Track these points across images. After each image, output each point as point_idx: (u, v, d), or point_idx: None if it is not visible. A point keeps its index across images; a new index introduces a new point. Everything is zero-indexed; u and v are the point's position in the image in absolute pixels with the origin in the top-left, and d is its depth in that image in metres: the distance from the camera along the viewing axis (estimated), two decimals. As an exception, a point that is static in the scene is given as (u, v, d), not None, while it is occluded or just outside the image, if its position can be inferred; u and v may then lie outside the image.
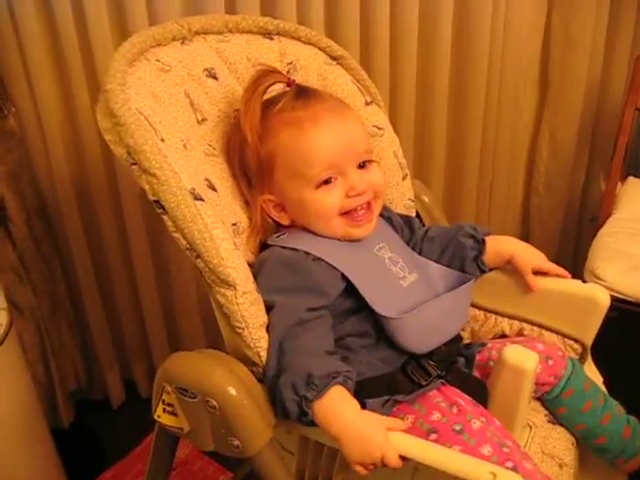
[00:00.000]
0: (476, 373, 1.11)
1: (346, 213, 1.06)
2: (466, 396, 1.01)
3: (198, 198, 0.94)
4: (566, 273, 1.21)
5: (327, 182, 1.04)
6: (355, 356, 1.01)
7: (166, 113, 1.01)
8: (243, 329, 0.94)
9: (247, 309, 0.94)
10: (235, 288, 0.93)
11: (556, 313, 1.19)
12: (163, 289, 1.93)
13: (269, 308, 0.98)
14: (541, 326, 1.21)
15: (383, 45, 1.76)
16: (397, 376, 1.02)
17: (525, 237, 2.40)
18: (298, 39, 1.25)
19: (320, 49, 1.27)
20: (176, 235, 0.92)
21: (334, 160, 1.03)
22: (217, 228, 0.94)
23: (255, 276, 1.01)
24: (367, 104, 1.29)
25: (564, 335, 1.20)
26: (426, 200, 1.37)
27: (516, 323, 1.24)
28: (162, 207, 0.92)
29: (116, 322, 1.95)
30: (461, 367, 1.08)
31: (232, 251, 0.95)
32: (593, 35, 2.11)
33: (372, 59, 1.76)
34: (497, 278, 1.23)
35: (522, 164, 2.33)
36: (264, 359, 0.95)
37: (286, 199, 1.08)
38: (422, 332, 1.04)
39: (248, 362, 0.96)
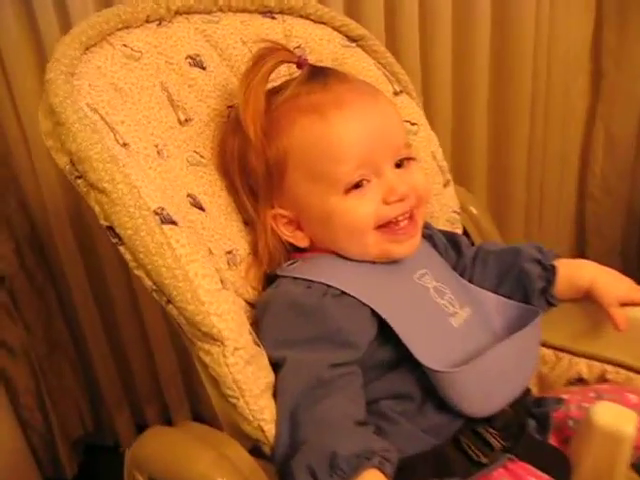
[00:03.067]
0: (552, 439, 0.90)
1: (383, 225, 0.86)
2: (543, 475, 0.81)
3: (167, 221, 0.73)
4: None
5: (358, 185, 0.85)
6: (392, 426, 0.82)
7: (133, 111, 0.84)
8: (237, 398, 0.74)
9: (241, 371, 0.74)
10: (223, 343, 0.73)
11: None
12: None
13: (277, 366, 0.80)
14: (629, 368, 1.01)
15: (412, 28, 1.56)
16: (449, 452, 0.82)
17: (581, 250, 2.22)
18: (307, 17, 1.08)
19: (335, 29, 1.09)
20: (138, 273, 0.71)
21: (367, 156, 0.84)
22: (195, 261, 0.73)
23: (257, 322, 0.83)
24: (396, 94, 1.09)
25: None
26: (474, 212, 1.17)
27: (597, 365, 1.03)
28: (117, 235, 0.70)
29: (123, 359, 1.83)
30: (533, 433, 0.87)
31: (217, 292, 0.74)
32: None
33: (400, 42, 1.54)
34: (570, 308, 1.03)
35: (575, 166, 2.14)
36: (270, 435, 0.77)
37: (304, 211, 0.88)
38: (484, 389, 0.84)
39: (248, 440, 0.77)
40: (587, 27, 1.94)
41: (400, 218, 0.86)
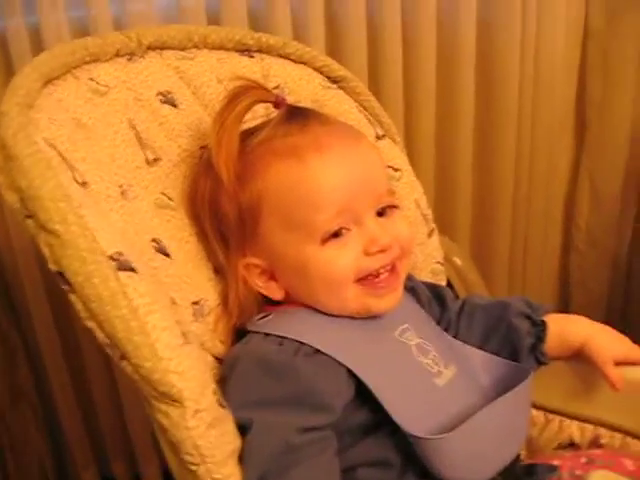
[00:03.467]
0: (544, 510, 0.83)
1: (363, 278, 0.80)
2: None
3: (125, 268, 0.66)
4: None
5: (337, 234, 0.79)
6: (371, 498, 0.74)
7: (97, 148, 0.79)
8: (198, 464, 0.67)
9: (203, 435, 0.66)
10: (183, 404, 0.65)
11: None
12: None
13: (243, 429, 0.72)
14: (625, 432, 0.96)
15: (395, 72, 1.53)
16: None
17: (565, 303, 2.20)
18: (286, 57, 1.02)
19: (315, 69, 1.03)
20: (90, 324, 0.64)
21: (347, 203, 0.78)
22: (154, 312, 0.66)
23: (224, 380, 0.76)
24: (379, 138, 1.04)
25: None
26: (458, 262, 1.14)
27: (589, 428, 0.98)
28: (67, 282, 0.63)
29: (91, 410, 1.75)
30: (524, 504, 0.80)
31: (177, 347, 0.66)
32: (636, 67, 1.89)
33: (382, 86, 1.51)
34: (559, 365, 0.97)
35: (559, 220, 2.13)
36: None
37: (278, 261, 0.82)
38: (472, 456, 0.77)
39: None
40: (571, 80, 1.95)
41: (381, 270, 0.81)
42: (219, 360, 0.80)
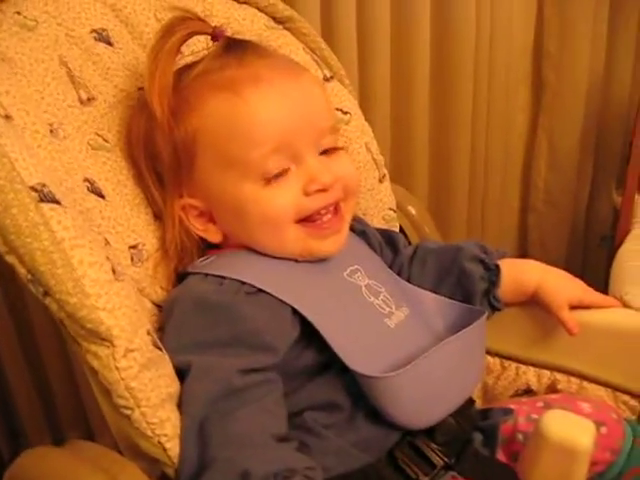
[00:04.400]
0: (500, 455, 0.82)
1: (305, 219, 0.77)
2: None
3: (48, 199, 0.61)
4: (615, 302, 0.94)
5: (276, 175, 0.76)
6: (318, 441, 0.72)
7: (24, 84, 0.75)
8: (132, 409, 0.63)
9: (136, 376, 0.63)
10: (112, 343, 0.62)
11: (602, 357, 0.93)
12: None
13: (182, 374, 0.69)
14: (582, 376, 0.95)
15: (349, 18, 1.47)
16: (383, 470, 0.73)
17: None
18: None
19: (260, 9, 0.99)
20: (10, 259, 0.60)
21: (285, 139, 0.75)
22: (80, 247, 0.62)
23: (164, 325, 0.74)
24: (326, 80, 1.00)
25: (614, 388, 0.94)
26: (413, 212, 1.09)
27: (546, 373, 0.97)
28: (-16, 213, 0.59)
29: (44, 381, 1.69)
30: (479, 448, 0.79)
31: (106, 283, 0.63)
32: (593, 25, 1.89)
33: (336, 31, 1.45)
34: (515, 311, 0.96)
35: (517, 179, 2.14)
36: (174, 453, 0.66)
37: (215, 202, 0.79)
38: (422, 396, 0.76)
39: (146, 459, 0.66)
40: (527, 37, 1.95)
41: (323, 212, 0.78)
42: (159, 307, 0.77)
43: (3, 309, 1.57)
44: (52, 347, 1.63)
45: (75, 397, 1.71)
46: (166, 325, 0.72)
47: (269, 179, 0.75)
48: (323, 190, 0.76)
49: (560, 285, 0.91)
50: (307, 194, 0.76)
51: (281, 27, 0.99)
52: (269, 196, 0.75)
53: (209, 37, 0.82)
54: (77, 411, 1.73)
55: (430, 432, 0.76)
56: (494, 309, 0.91)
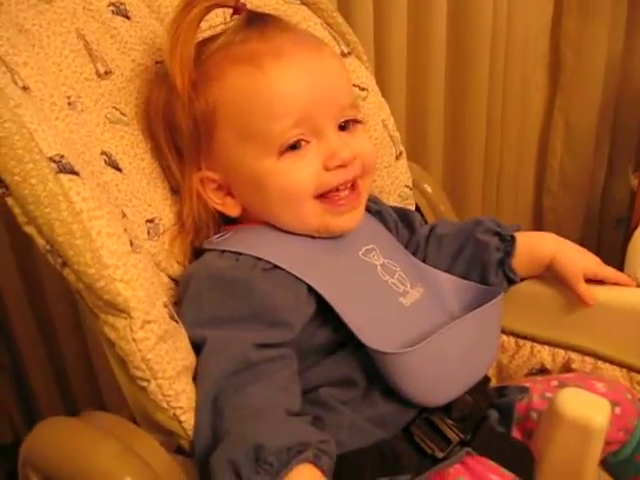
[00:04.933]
0: (514, 432, 0.81)
1: (323, 195, 0.77)
2: (505, 471, 0.74)
3: (67, 170, 0.61)
4: (630, 280, 0.94)
5: (295, 147, 0.75)
6: (333, 416, 0.73)
7: (42, 56, 0.75)
8: (148, 380, 0.64)
9: (153, 348, 0.63)
10: (130, 315, 0.62)
11: (617, 337, 0.93)
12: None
13: (198, 348, 0.69)
14: (596, 356, 0.95)
15: (365, 8, 1.46)
16: (398, 445, 0.73)
17: None
18: None
19: (277, -16, 0.98)
20: (29, 229, 0.60)
21: (307, 113, 0.75)
22: (99, 218, 0.62)
23: (179, 300, 0.75)
24: (344, 56, 0.99)
25: (629, 368, 0.93)
26: (429, 190, 1.09)
27: (561, 352, 0.97)
28: (3, 183, 0.59)
29: (59, 360, 1.70)
30: (494, 425, 0.78)
31: (124, 255, 0.63)
32: (612, 4, 1.86)
33: (352, 8, 1.43)
34: (531, 290, 0.96)
35: (532, 160, 2.12)
36: (188, 426, 0.67)
37: (234, 175, 0.78)
38: (437, 374, 0.76)
39: (162, 432, 0.66)
40: (546, 16, 1.92)
41: (341, 187, 0.77)
42: (175, 282, 0.77)
43: (18, 285, 1.58)
44: (66, 322, 1.64)
45: (89, 372, 1.71)
46: (182, 300, 0.73)
47: (289, 152, 0.75)
48: (342, 166, 0.76)
49: (576, 257, 0.92)
50: (327, 169, 0.75)
51: (298, 2, 0.98)
52: (289, 170, 0.75)
53: (227, 11, 0.82)
54: (91, 386, 1.73)
55: (446, 408, 0.76)
56: (510, 281, 0.91)
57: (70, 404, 1.76)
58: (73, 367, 1.71)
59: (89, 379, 1.72)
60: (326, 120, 0.76)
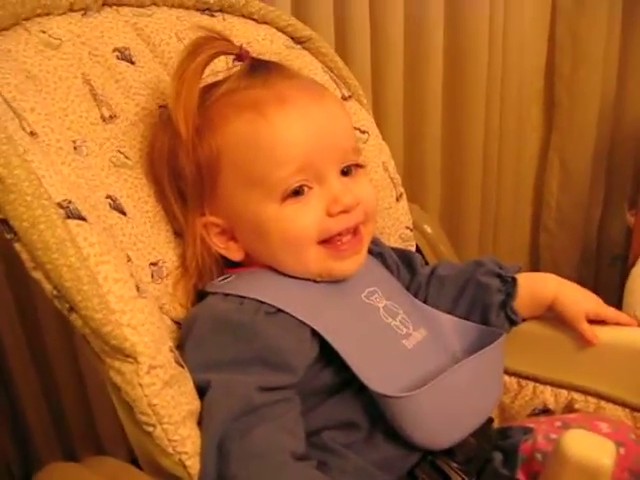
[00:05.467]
0: (519, 474, 0.81)
1: (326, 240, 0.77)
2: None
3: (74, 216, 0.62)
4: (631, 319, 0.94)
5: (298, 193, 0.75)
6: (337, 460, 0.71)
7: (48, 101, 0.75)
8: (154, 425, 0.63)
9: (159, 393, 0.63)
10: (136, 360, 0.61)
11: (619, 377, 0.92)
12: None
13: (202, 392, 0.68)
14: (599, 396, 0.94)
15: (363, 37, 1.48)
16: None
17: None
18: (249, 16, 0.99)
19: (279, 29, 1.00)
20: (36, 275, 0.60)
21: (309, 159, 0.75)
22: (106, 263, 0.62)
23: (183, 342, 0.74)
24: (345, 99, 1.00)
25: (632, 408, 0.93)
26: (429, 231, 1.10)
27: (563, 393, 0.96)
28: (12, 229, 0.59)
29: (56, 400, 1.67)
30: (499, 468, 0.78)
31: (131, 300, 0.63)
32: (605, 45, 1.91)
33: (350, 49, 1.46)
34: (532, 330, 0.97)
35: (529, 198, 2.15)
36: (194, 471, 0.65)
37: (237, 221, 0.78)
38: (440, 417, 0.74)
39: (166, 476, 0.65)
40: (540, 58, 1.97)
41: (344, 232, 0.77)
42: (178, 325, 0.77)
43: (16, 324, 1.55)
44: (64, 364, 1.62)
45: (87, 414, 1.69)
46: (186, 343, 0.72)
47: (292, 199, 0.75)
48: (345, 211, 0.76)
49: (578, 297, 0.92)
50: (330, 215, 0.75)
51: (300, 47, 1.00)
52: (292, 216, 0.75)
53: (230, 57, 0.83)
54: (88, 428, 1.71)
55: (450, 451, 0.75)
56: (512, 322, 0.90)
57: (68, 448, 1.73)
58: (70, 407, 1.68)
59: (86, 420, 1.70)
60: (329, 166, 0.76)
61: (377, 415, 0.72)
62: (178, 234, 0.82)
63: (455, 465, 0.74)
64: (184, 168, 0.78)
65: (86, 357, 1.58)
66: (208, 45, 0.78)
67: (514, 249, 2.12)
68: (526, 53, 1.86)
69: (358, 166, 0.80)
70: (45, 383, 1.64)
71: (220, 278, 0.79)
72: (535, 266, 2.20)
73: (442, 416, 0.74)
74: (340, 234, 0.77)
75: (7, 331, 1.54)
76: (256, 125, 0.74)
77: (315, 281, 0.78)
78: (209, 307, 0.75)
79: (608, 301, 1.49)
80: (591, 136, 2.00)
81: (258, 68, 0.79)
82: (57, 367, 1.63)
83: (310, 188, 0.75)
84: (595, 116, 1.97)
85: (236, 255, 0.80)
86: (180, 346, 0.73)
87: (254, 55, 0.83)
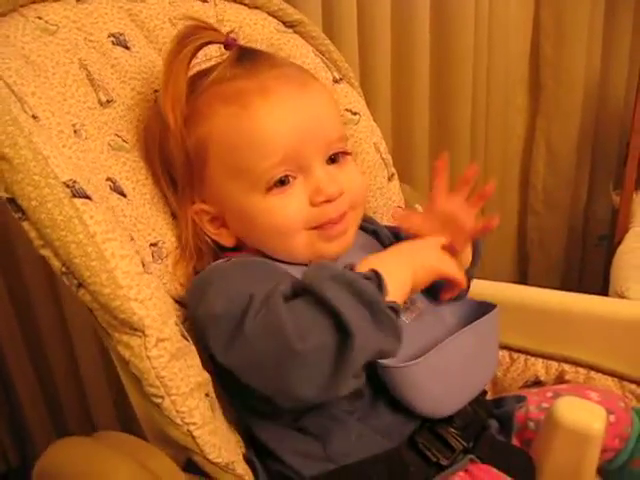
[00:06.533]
0: (513, 441, 0.83)
1: (316, 227, 0.78)
2: (506, 478, 0.76)
3: (80, 195, 0.63)
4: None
5: (283, 182, 0.76)
6: (341, 428, 0.74)
7: (47, 85, 0.76)
8: (162, 397, 0.65)
9: (166, 366, 0.65)
10: (144, 333, 0.63)
11: (608, 347, 0.96)
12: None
13: (244, 314, 0.67)
14: (589, 366, 0.97)
15: (350, 23, 1.48)
16: (404, 454, 0.74)
17: (524, 262, 2.22)
18: (240, 2, 0.99)
19: (270, 13, 1.00)
20: (45, 252, 0.62)
21: (293, 150, 0.76)
22: (112, 240, 0.64)
23: (193, 307, 0.74)
24: (336, 82, 1.02)
25: (621, 377, 0.96)
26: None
27: (554, 364, 0.99)
28: (20, 208, 0.61)
29: (50, 385, 1.69)
30: (495, 434, 0.80)
31: (137, 275, 0.64)
32: (588, 28, 1.91)
33: (338, 30, 1.46)
34: (523, 304, 1.00)
35: (516, 181, 2.15)
36: (202, 441, 0.68)
37: (226, 209, 0.80)
38: (440, 386, 0.77)
39: (172, 446, 0.67)
40: (524, 41, 1.97)
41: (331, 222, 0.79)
42: (179, 304, 0.78)
43: (9, 309, 1.57)
44: (59, 351, 1.63)
45: (81, 402, 1.71)
46: (205, 296, 0.71)
47: (276, 189, 0.76)
48: (328, 201, 0.77)
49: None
50: (313, 204, 0.77)
51: (291, 31, 1.00)
52: (277, 206, 0.76)
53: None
54: (83, 416, 1.73)
55: (448, 418, 0.77)
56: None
57: (63, 435, 1.75)
58: (66, 398, 1.70)
59: (79, 400, 1.72)
60: (313, 155, 0.77)
61: (379, 385, 0.74)
62: (176, 216, 0.83)
63: (453, 431, 0.76)
64: (174, 157, 0.79)
65: (80, 345, 1.60)
66: (196, 35, 0.78)
67: (501, 230, 2.12)
68: (511, 37, 1.86)
69: (345, 153, 0.81)
70: (40, 371, 1.65)
71: (218, 261, 0.80)
72: (523, 247, 2.21)
73: (442, 385, 0.77)
74: (329, 222, 0.78)
75: (1, 319, 1.54)
76: (240, 117, 0.75)
77: (307, 265, 0.79)
78: (215, 264, 0.77)
79: (595, 279, 1.51)
80: (576, 118, 2.01)
81: (244, 57, 0.80)
82: (51, 355, 1.64)
83: (294, 178, 0.76)
84: (580, 98, 1.98)
85: (228, 241, 0.81)
86: (184, 323, 0.74)
87: (242, 43, 0.84)
